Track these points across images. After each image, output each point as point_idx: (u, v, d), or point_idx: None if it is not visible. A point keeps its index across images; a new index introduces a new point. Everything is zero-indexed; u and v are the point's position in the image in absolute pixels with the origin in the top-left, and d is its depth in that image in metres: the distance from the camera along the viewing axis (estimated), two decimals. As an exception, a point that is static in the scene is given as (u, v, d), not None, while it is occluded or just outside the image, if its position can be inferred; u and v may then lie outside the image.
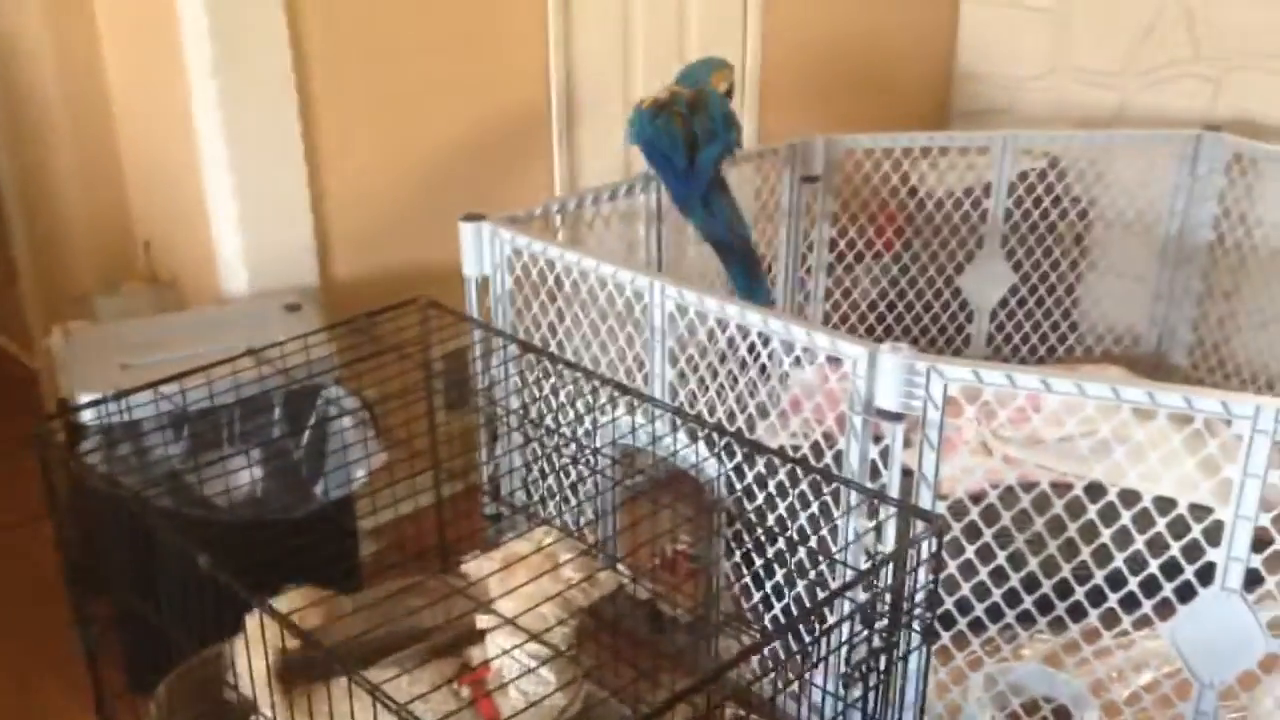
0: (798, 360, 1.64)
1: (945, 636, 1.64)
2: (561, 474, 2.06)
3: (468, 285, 2.03)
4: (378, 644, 1.75)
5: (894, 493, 1.54)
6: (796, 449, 1.74)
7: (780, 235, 2.49)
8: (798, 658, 1.08)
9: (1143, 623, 1.55)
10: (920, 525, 1.36)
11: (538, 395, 2.03)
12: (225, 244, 2.05)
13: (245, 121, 1.96)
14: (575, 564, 1.53)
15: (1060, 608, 1.59)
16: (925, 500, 1.52)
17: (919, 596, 1.18)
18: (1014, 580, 1.59)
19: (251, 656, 1.39)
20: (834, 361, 1.61)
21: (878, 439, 1.55)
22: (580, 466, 2.01)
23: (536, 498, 2.13)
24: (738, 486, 1.75)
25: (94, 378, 1.72)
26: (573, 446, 2.01)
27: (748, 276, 2.16)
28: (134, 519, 1.70)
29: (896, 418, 1.51)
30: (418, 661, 1.65)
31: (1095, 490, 1.56)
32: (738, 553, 1.81)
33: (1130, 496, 1.55)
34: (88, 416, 1.65)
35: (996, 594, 1.60)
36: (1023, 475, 2.14)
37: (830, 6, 2.82)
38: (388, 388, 1.82)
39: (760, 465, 1.70)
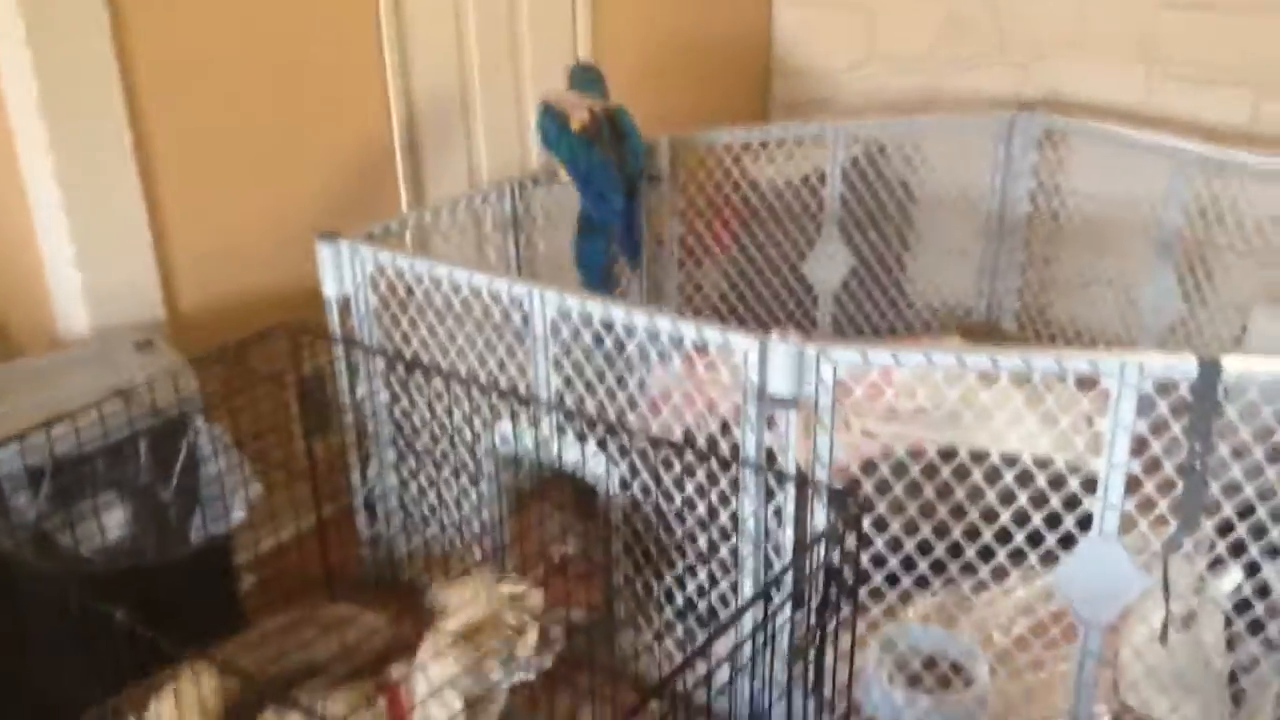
0: (659, 357, 1.67)
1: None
2: (443, 486, 2.03)
3: (328, 306, 1.97)
4: (277, 681, 1.69)
5: (790, 486, 1.58)
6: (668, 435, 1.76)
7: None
8: (744, 647, 1.10)
9: (1020, 562, 1.64)
10: (828, 502, 1.40)
11: (410, 410, 1.99)
12: (61, 283, 1.92)
13: (77, 158, 1.84)
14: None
15: (953, 568, 1.67)
16: (822, 477, 1.57)
17: (845, 570, 1.23)
18: (908, 545, 1.66)
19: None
20: (700, 351, 1.65)
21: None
22: (462, 479, 1.98)
23: (417, 515, 2.09)
24: (632, 483, 1.77)
25: (-62, 435, 1.58)
26: (453, 458, 1.97)
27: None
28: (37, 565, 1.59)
29: (789, 403, 1.55)
30: (327, 689, 1.60)
31: (951, 454, 1.64)
32: (636, 550, 1.82)
33: (984, 456, 1.64)
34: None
35: (893, 560, 1.67)
36: (884, 448, 2.26)
37: (653, 6, 2.87)
38: (258, 419, 1.75)
39: (656, 460, 1.72)
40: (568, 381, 1.79)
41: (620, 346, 1.70)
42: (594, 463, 1.79)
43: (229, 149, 2.07)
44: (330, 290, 1.95)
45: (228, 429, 1.80)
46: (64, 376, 1.75)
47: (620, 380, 1.74)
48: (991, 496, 1.61)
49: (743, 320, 2.74)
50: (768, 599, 1.20)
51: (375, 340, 1.97)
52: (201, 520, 1.77)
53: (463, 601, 1.56)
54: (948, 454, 1.65)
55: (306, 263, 1.96)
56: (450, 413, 1.92)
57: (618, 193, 2.12)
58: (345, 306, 1.97)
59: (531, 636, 1.55)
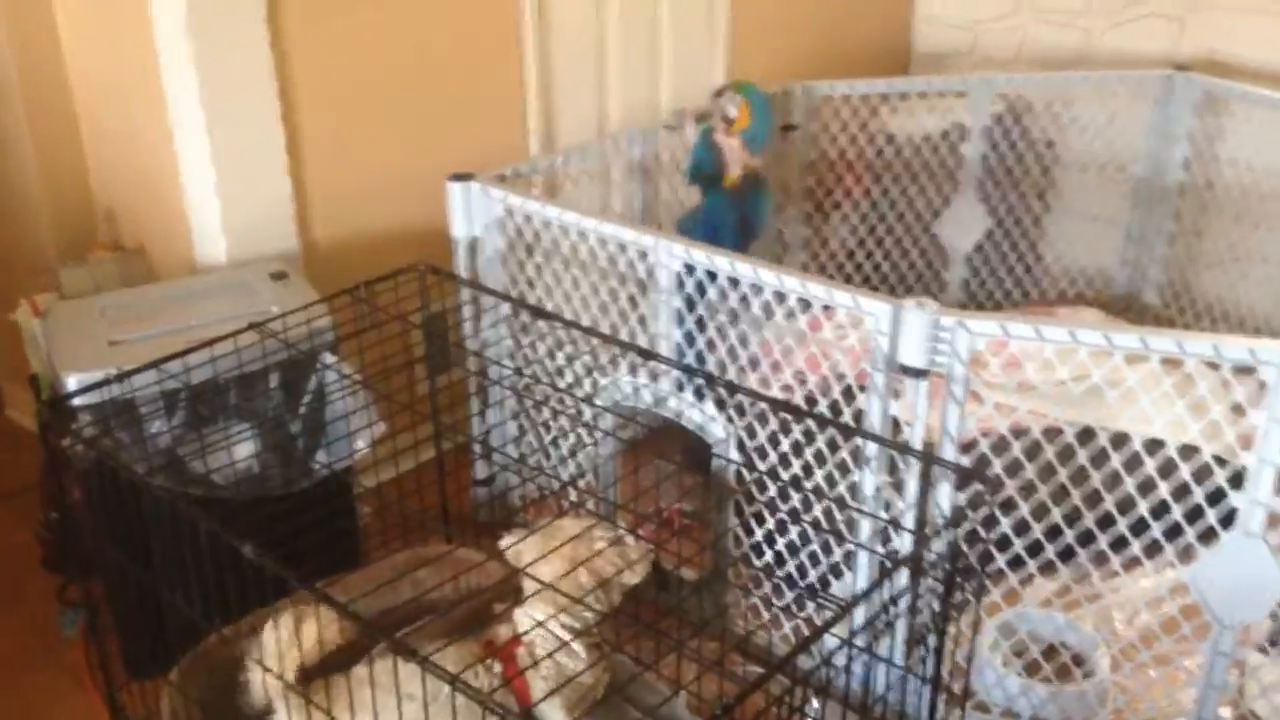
0: (786, 316, 1.62)
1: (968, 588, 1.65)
2: (557, 433, 2.03)
3: (456, 248, 1.97)
4: (389, 619, 1.71)
5: (915, 464, 1.53)
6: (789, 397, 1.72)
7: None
8: (870, 627, 1.08)
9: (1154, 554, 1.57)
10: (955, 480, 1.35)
11: (532, 358, 1.98)
12: (200, 211, 1.96)
13: (220, 83, 1.87)
14: (607, 539, 1.52)
15: (1082, 554, 1.61)
16: (948, 456, 1.52)
17: (972, 553, 1.18)
18: (1037, 529, 1.60)
19: (282, 653, 1.35)
20: (828, 312, 1.59)
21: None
22: (576, 427, 1.98)
23: (531, 458, 2.10)
24: (748, 445, 1.74)
25: (82, 356, 1.64)
26: (569, 406, 1.97)
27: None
28: (136, 503, 1.64)
29: (921, 374, 1.50)
30: (436, 637, 1.62)
31: (1090, 436, 1.57)
32: (748, 511, 1.80)
33: (1128, 441, 1.55)
34: (80, 397, 1.58)
35: (1018, 543, 1.61)
36: (1014, 423, 2.18)
37: (795, -50, 2.79)
38: (385, 355, 1.76)
39: (774, 423, 1.69)
40: (689, 337, 1.77)
41: (745, 303, 1.66)
42: (711, 422, 1.77)
43: (367, 88, 2.08)
44: (459, 231, 1.95)
45: (355, 365, 1.82)
46: (202, 303, 1.79)
47: (743, 339, 1.71)
48: (1130, 484, 1.54)
49: (868, 280, 2.67)
50: (889, 578, 1.17)
51: (500, 284, 1.97)
52: (326, 454, 1.80)
53: (537, 553, 1.53)
54: (1085, 435, 1.58)
55: (435, 204, 1.96)
56: (569, 361, 1.92)
57: (730, 244, 2.08)
58: (472, 249, 1.97)
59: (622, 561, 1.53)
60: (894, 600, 1.11)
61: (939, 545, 1.33)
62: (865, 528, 1.61)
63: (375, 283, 1.70)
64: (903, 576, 1.36)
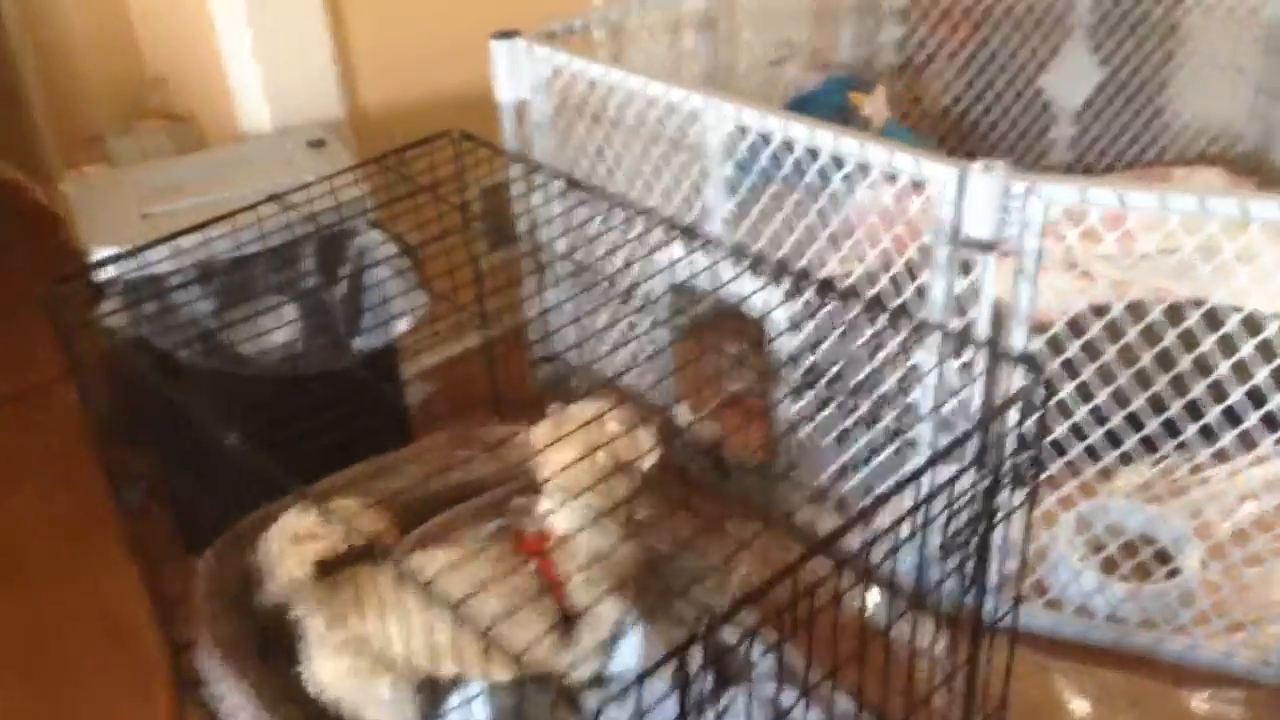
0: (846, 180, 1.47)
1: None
2: (610, 322, 1.94)
3: (503, 111, 1.85)
4: (429, 500, 1.67)
5: (983, 331, 1.39)
6: (847, 276, 1.58)
7: (843, 37, 2.27)
8: (904, 522, 0.97)
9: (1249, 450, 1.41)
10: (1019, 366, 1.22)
11: (586, 237, 1.88)
12: (241, 77, 1.88)
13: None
14: (622, 421, 1.43)
15: (1167, 446, 1.46)
16: (1018, 338, 1.38)
17: (1022, 452, 1.06)
18: (1115, 418, 1.46)
19: (289, 555, 1.30)
20: (890, 180, 1.44)
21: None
22: (631, 313, 1.88)
23: (586, 341, 2.01)
24: (804, 329, 1.62)
25: (112, 229, 1.59)
26: (623, 288, 1.87)
27: None
28: (164, 384, 1.62)
29: (988, 247, 1.35)
30: (469, 522, 1.57)
31: (1209, 313, 1.40)
32: (806, 397, 1.69)
33: (1251, 322, 1.38)
34: (109, 271, 1.54)
35: (1094, 433, 1.47)
36: (1096, 300, 2.00)
37: None
38: (424, 230, 1.68)
39: (829, 305, 1.56)
40: (742, 207, 1.64)
41: (800, 170, 1.52)
42: (763, 301, 1.64)
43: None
44: (505, 94, 1.84)
45: (395, 239, 1.74)
46: (237, 172, 1.73)
47: (799, 207, 1.57)
48: (1223, 366, 1.37)
49: (965, 140, 2.46)
50: (936, 465, 1.05)
51: (547, 151, 1.86)
52: (365, 332, 1.74)
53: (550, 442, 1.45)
54: (1173, 311, 1.41)
55: (488, 64, 1.84)
56: (621, 239, 1.80)
57: None
58: (520, 113, 1.86)
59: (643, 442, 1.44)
60: (940, 491, 1.00)
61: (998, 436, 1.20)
62: (926, 417, 1.49)
63: (405, 150, 1.60)
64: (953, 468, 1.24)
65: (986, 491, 1.05)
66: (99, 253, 1.56)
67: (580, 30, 1.86)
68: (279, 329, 1.69)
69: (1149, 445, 1.48)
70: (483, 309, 1.79)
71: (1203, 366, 1.40)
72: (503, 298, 1.91)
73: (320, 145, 1.78)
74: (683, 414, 1.94)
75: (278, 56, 1.85)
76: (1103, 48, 2.35)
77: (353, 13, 1.92)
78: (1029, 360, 1.26)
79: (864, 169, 1.44)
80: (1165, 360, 1.41)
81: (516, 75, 1.81)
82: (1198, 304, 1.40)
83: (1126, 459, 1.51)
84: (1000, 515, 1.07)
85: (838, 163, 1.46)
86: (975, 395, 1.41)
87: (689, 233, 1.49)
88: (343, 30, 1.91)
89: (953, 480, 0.99)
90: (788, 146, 1.51)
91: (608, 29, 1.92)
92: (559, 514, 1.37)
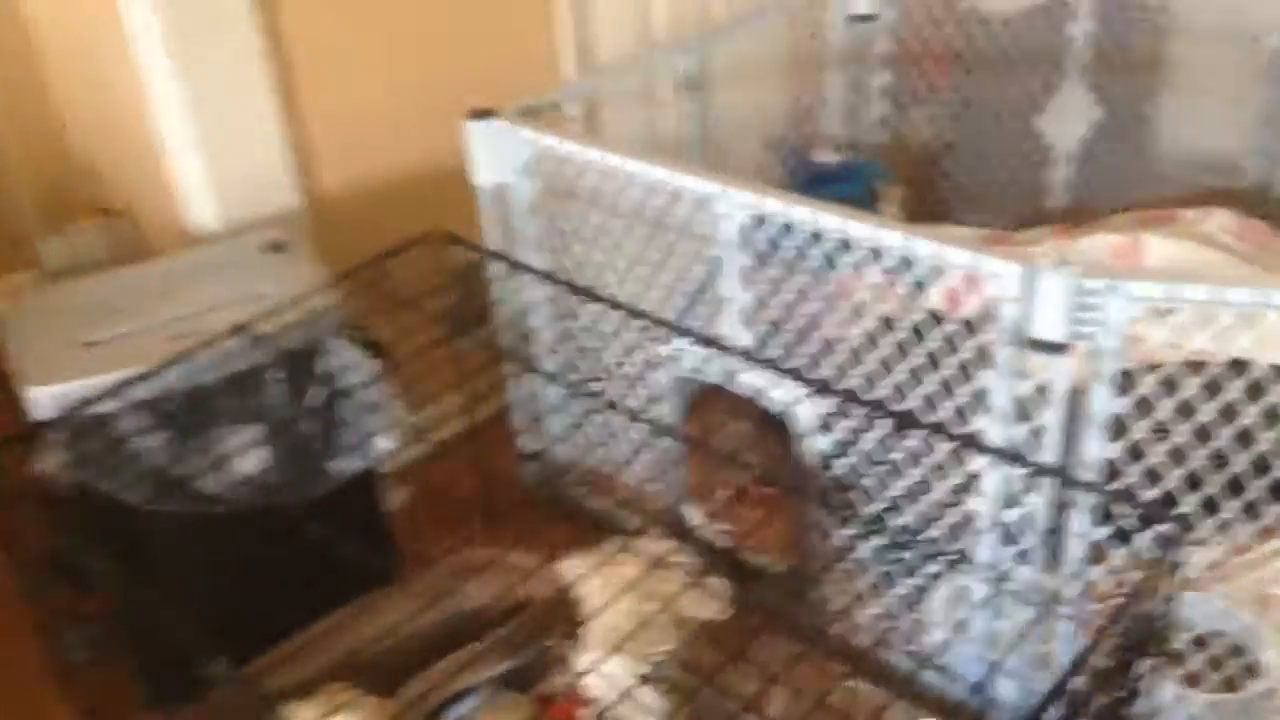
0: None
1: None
2: (608, 407, 1.77)
3: (482, 197, 1.68)
4: (428, 640, 1.49)
5: (1053, 448, 1.25)
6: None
7: (830, 87, 2.12)
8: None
9: None
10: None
11: (573, 322, 1.71)
12: (182, 167, 1.68)
13: (187, 17, 1.57)
14: (688, 569, 1.27)
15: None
16: (1093, 451, 1.23)
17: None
18: (1173, 476, 1.31)
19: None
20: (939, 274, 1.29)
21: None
22: (630, 400, 1.71)
23: (581, 435, 1.84)
24: (833, 429, 1.46)
25: (52, 364, 1.39)
26: (619, 378, 1.70)
27: None
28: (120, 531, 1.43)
29: (1059, 349, 1.20)
30: (486, 665, 1.39)
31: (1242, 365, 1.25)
32: (835, 497, 1.53)
33: None
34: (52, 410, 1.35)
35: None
36: (1146, 354, 1.87)
37: None
38: (404, 339, 1.50)
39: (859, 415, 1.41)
40: (760, 302, 1.48)
41: (830, 262, 1.37)
42: (793, 403, 1.49)
43: (367, 9, 1.77)
44: (483, 179, 1.66)
45: (370, 350, 1.56)
46: (187, 287, 1.53)
47: (830, 302, 1.41)
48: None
49: (959, 188, 2.33)
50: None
51: (535, 238, 1.68)
52: (345, 452, 1.55)
53: (606, 589, 1.31)
54: (1238, 365, 1.26)
55: (459, 142, 1.67)
56: (617, 333, 1.64)
57: None
58: (501, 196, 1.68)
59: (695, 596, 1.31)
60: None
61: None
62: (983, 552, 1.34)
63: (383, 258, 1.42)
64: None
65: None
66: (37, 393, 1.36)
67: (557, 104, 1.69)
68: (244, 460, 1.50)
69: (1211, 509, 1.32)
70: (476, 434, 1.62)
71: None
72: (492, 382, 1.74)
73: (280, 249, 1.59)
74: (692, 514, 1.77)
75: (223, 142, 1.66)
76: (1099, 86, 2.23)
77: (306, 91, 1.73)
78: (1158, 515, 1.10)
79: (908, 263, 1.29)
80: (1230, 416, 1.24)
81: (496, 158, 1.63)
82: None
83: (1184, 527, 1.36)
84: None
85: (874, 254, 1.31)
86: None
87: (699, 339, 1.33)
88: (296, 110, 1.72)
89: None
90: (815, 237, 1.36)
91: (586, 101, 1.76)
92: (600, 673, 1.21)
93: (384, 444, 1.55)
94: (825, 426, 1.47)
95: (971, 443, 1.28)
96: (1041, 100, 2.24)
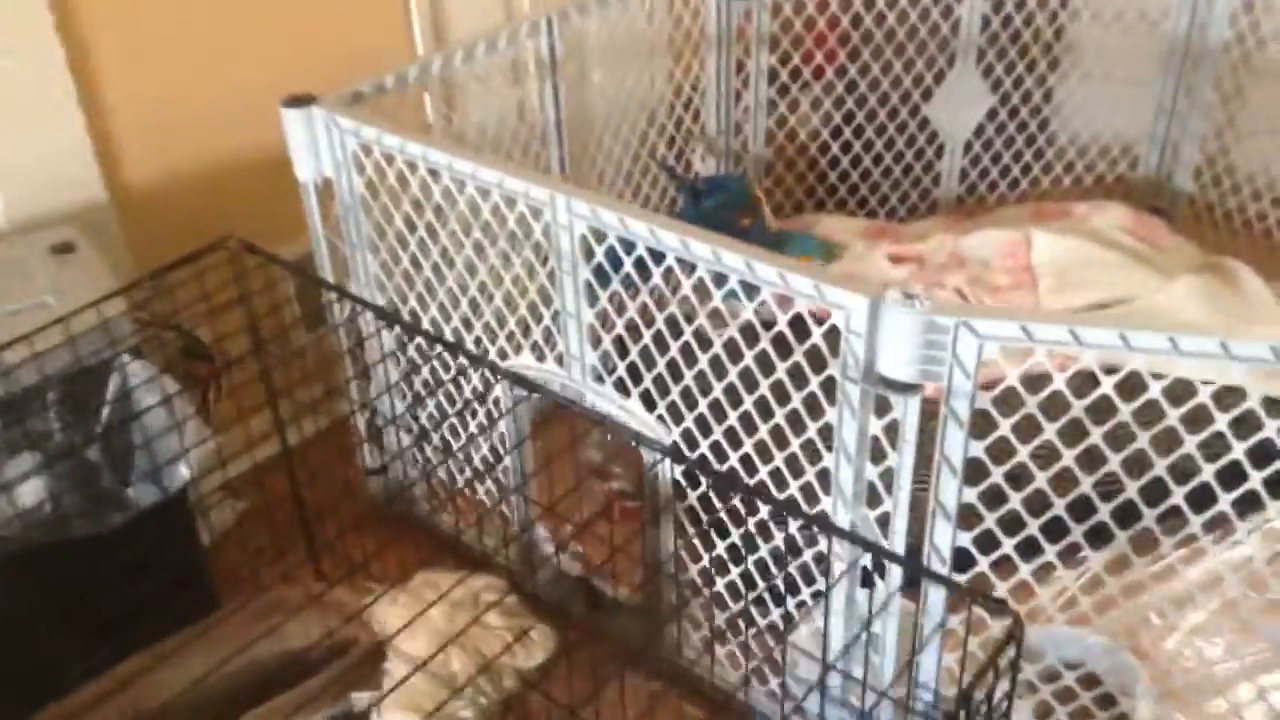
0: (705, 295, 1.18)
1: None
2: (454, 419, 1.62)
3: (305, 193, 1.52)
4: (235, 689, 1.35)
5: (903, 493, 1.13)
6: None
7: (709, 71, 1.98)
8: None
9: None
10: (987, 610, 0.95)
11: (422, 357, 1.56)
12: (-36, 159, 1.49)
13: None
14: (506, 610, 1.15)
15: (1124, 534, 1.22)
16: (949, 491, 1.12)
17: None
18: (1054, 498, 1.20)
19: None
20: (784, 303, 1.15)
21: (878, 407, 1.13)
22: (478, 413, 1.57)
23: (425, 446, 1.70)
24: (688, 456, 1.34)
25: None
26: (465, 389, 1.56)
27: None
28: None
29: (909, 389, 1.08)
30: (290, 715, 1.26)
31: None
32: (691, 532, 1.41)
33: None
34: None
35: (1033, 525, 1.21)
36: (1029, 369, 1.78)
37: None
38: (216, 334, 1.35)
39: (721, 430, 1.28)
40: (605, 321, 1.34)
41: (670, 279, 1.23)
42: (643, 426, 1.36)
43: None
44: (305, 173, 1.50)
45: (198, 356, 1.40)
46: (-41, 296, 1.35)
47: (684, 321, 1.28)
48: (1183, 433, 1.08)
49: (846, 177, 2.20)
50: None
51: (364, 239, 1.53)
52: (143, 478, 1.40)
53: (414, 640, 1.19)
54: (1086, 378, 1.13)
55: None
56: (456, 344, 1.49)
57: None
58: (328, 190, 1.52)
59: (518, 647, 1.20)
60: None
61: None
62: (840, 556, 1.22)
63: (172, 268, 1.25)
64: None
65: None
66: None
67: (396, 88, 1.53)
68: (22, 491, 1.34)
69: (1099, 537, 1.20)
70: (290, 459, 1.47)
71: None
72: (318, 400, 1.58)
73: (67, 251, 1.41)
74: (543, 537, 1.64)
75: (13, 131, 1.47)
76: (992, 71, 2.12)
77: (109, 73, 1.55)
78: (1000, 608, 0.99)
79: (750, 290, 1.16)
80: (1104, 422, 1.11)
81: (316, 150, 1.47)
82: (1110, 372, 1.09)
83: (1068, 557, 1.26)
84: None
85: (718, 279, 1.18)
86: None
87: (529, 387, 1.19)
88: (97, 96, 1.54)
89: None
90: (654, 256, 1.22)
91: (432, 83, 1.59)
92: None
93: (181, 473, 1.39)
94: (677, 456, 1.35)
95: (818, 523, 1.16)
96: (931, 86, 2.12)
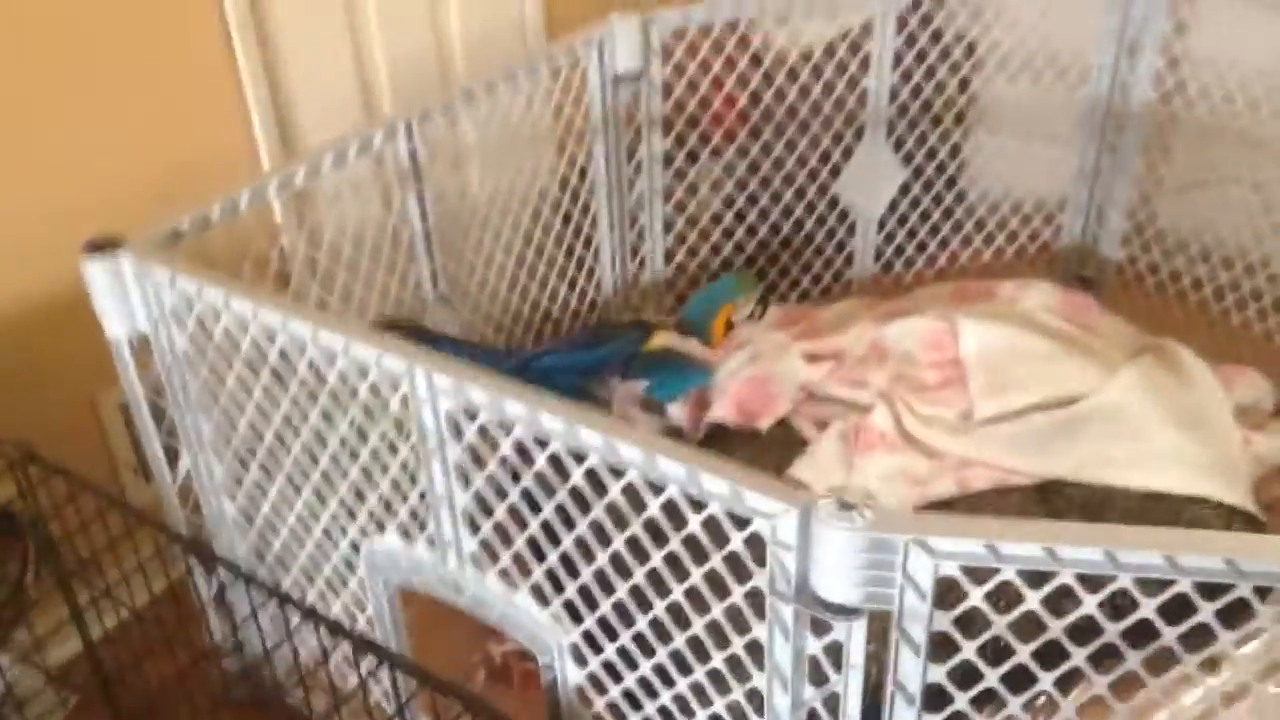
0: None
1: None
2: (317, 599, 1.39)
3: (117, 351, 1.27)
4: None
5: (852, 711, 0.93)
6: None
7: (596, 160, 1.77)
8: None
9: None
10: None
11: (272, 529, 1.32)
12: None
13: None
14: None
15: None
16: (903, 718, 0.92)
17: None
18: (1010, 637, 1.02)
19: None
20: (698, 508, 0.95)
21: (816, 626, 0.93)
22: (343, 595, 1.34)
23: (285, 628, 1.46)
24: (589, 663, 1.12)
25: None
26: (326, 570, 1.32)
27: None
28: None
29: (850, 613, 0.89)
30: None
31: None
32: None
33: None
34: None
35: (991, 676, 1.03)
36: (962, 480, 1.61)
37: None
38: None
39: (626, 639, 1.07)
40: (482, 502, 1.12)
41: (563, 474, 1.02)
42: (536, 625, 1.14)
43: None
44: (113, 329, 1.25)
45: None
46: None
47: (577, 511, 1.06)
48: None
49: (753, 263, 2.02)
50: None
51: (199, 397, 1.28)
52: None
53: None
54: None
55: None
56: (307, 527, 1.26)
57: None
58: (145, 347, 1.28)
59: None
60: None
61: None
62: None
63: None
64: None
65: None
66: None
67: (223, 218, 1.29)
68: None
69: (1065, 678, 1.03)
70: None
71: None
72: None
73: None
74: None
75: None
76: (904, 144, 1.95)
77: None
78: None
79: (654, 488, 0.95)
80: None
81: (127, 302, 1.23)
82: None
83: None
84: None
85: (614, 472, 0.97)
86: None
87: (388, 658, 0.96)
88: None
89: None
90: (539, 443, 1.01)
91: (280, 203, 1.36)
92: None
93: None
94: (578, 657, 1.13)
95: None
96: (839, 163, 1.94)
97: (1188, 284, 1.99)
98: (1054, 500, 1.51)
